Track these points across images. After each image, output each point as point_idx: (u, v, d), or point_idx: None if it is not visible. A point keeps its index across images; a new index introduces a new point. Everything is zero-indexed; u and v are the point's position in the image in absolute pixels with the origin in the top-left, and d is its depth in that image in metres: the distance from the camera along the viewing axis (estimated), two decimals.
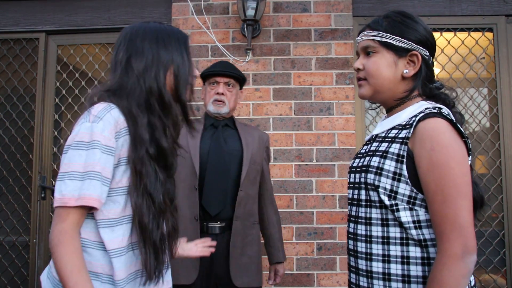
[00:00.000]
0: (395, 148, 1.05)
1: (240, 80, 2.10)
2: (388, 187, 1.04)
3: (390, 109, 1.18)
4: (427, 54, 1.13)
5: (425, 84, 1.13)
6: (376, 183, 1.06)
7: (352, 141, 2.67)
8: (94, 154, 1.03)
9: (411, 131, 1.03)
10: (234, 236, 1.92)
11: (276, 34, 2.76)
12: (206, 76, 2.08)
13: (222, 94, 2.01)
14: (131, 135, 1.09)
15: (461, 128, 1.02)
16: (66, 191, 1.01)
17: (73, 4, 2.96)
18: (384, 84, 1.13)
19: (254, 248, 2.00)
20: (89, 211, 1.07)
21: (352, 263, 1.14)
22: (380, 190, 1.05)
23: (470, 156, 1.05)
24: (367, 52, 1.16)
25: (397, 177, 1.04)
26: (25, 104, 2.97)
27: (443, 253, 0.96)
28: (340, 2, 2.75)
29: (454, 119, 1.05)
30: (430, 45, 1.15)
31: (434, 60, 1.18)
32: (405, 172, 1.02)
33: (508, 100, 2.73)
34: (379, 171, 1.06)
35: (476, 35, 2.83)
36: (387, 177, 1.05)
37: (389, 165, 1.05)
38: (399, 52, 1.12)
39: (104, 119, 1.05)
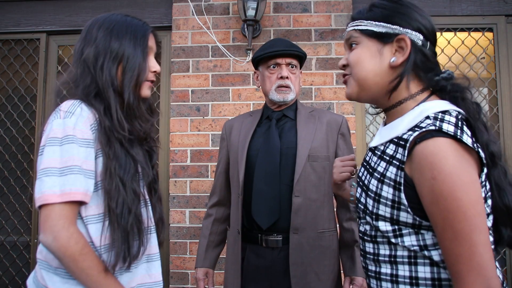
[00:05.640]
0: (391, 172, 0.92)
1: (302, 59, 1.74)
2: (388, 215, 0.92)
3: (388, 110, 1.02)
4: (421, 39, 0.96)
5: (423, 74, 0.97)
6: (375, 210, 0.95)
7: (352, 141, 2.67)
8: (72, 148, 1.02)
9: (406, 155, 0.89)
10: (293, 251, 1.58)
11: (277, 34, 2.76)
12: (261, 59, 1.71)
13: (287, 78, 1.67)
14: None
15: (468, 142, 0.85)
16: (45, 188, 0.99)
17: (74, 4, 2.96)
18: (368, 78, 0.98)
19: (326, 262, 1.63)
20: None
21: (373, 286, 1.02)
22: (380, 217, 0.94)
23: (485, 169, 0.89)
24: (350, 44, 1.03)
25: (396, 205, 0.91)
26: (26, 104, 2.98)
27: None
28: (340, 2, 2.76)
29: (460, 126, 0.88)
30: (426, 31, 0.97)
31: (436, 50, 1.02)
32: (404, 201, 0.89)
33: (508, 100, 2.73)
34: (377, 197, 0.94)
35: (476, 35, 2.83)
36: (386, 205, 0.92)
37: (387, 191, 0.92)
38: (383, 38, 0.96)
39: (75, 113, 1.05)
